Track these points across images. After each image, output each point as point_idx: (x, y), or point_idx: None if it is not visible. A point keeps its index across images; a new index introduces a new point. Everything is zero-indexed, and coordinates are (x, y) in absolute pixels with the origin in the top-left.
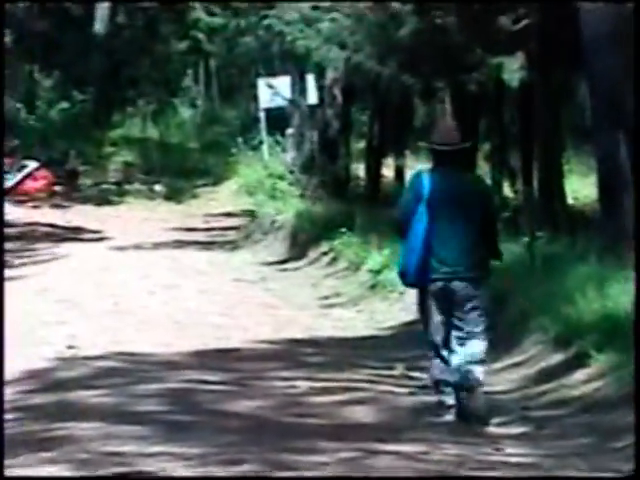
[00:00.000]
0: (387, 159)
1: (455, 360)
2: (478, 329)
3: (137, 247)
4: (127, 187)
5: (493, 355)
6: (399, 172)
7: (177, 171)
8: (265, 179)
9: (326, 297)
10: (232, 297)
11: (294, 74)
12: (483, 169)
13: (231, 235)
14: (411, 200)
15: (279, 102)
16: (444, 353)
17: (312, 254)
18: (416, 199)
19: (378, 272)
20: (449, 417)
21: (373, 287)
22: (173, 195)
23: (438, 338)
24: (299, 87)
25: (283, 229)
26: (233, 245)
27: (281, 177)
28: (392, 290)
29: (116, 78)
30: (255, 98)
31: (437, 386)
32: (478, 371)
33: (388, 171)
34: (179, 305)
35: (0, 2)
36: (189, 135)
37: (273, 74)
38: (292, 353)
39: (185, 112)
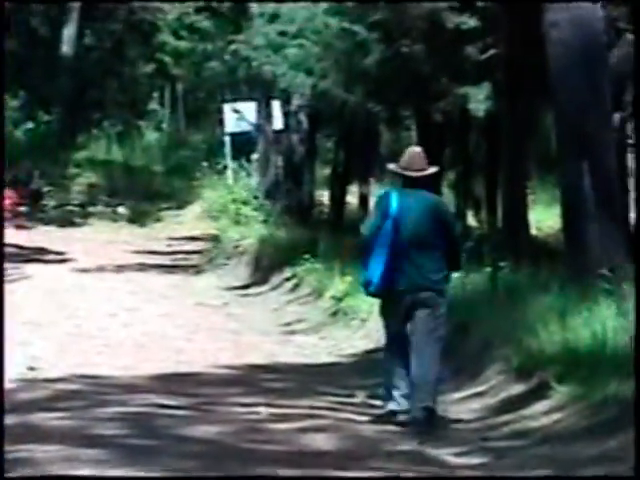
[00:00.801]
0: (352, 186)
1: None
2: (434, 331)
3: (100, 269)
4: (91, 209)
5: (455, 384)
6: (363, 199)
7: (141, 194)
8: (229, 204)
9: (288, 323)
10: (194, 321)
11: (260, 99)
12: (447, 197)
13: (194, 259)
14: (379, 216)
15: (245, 127)
16: (400, 360)
17: (275, 280)
18: (383, 216)
19: (340, 299)
20: (401, 417)
21: (335, 314)
22: (137, 218)
23: (396, 346)
24: (265, 112)
25: (246, 254)
26: (196, 269)
27: (245, 202)
28: (354, 317)
29: (82, 99)
30: (221, 122)
31: (389, 391)
32: (431, 374)
33: (352, 198)
34: (141, 328)
35: (0, 2)
36: (154, 158)
37: (239, 99)
38: (253, 379)
39: (150, 135)
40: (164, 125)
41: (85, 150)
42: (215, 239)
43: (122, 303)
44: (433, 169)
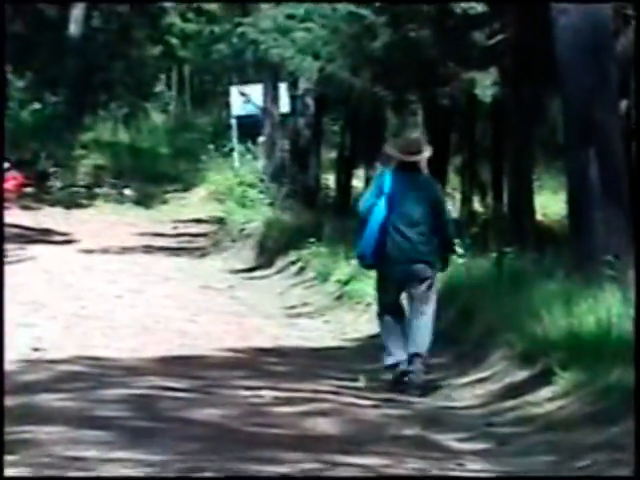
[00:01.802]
0: (358, 170)
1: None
2: (430, 305)
3: (105, 251)
4: (97, 190)
5: (459, 369)
6: (369, 183)
7: (147, 176)
8: (235, 186)
9: (293, 307)
10: (199, 304)
11: (267, 82)
12: (453, 183)
13: (200, 242)
14: (374, 193)
15: (251, 110)
16: (397, 327)
17: (280, 263)
18: (378, 193)
19: (346, 283)
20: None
21: (340, 298)
22: (142, 200)
23: (389, 316)
24: (271, 95)
25: (252, 237)
26: (201, 252)
27: (251, 185)
28: (359, 302)
29: (89, 81)
30: (227, 105)
31: (386, 349)
32: (424, 344)
33: (358, 182)
34: (146, 311)
35: (0, 2)
36: (160, 140)
37: (246, 82)
38: (257, 362)
39: (157, 117)
40: (170, 107)
41: (91, 132)
42: (220, 222)
43: (127, 285)
44: (427, 153)
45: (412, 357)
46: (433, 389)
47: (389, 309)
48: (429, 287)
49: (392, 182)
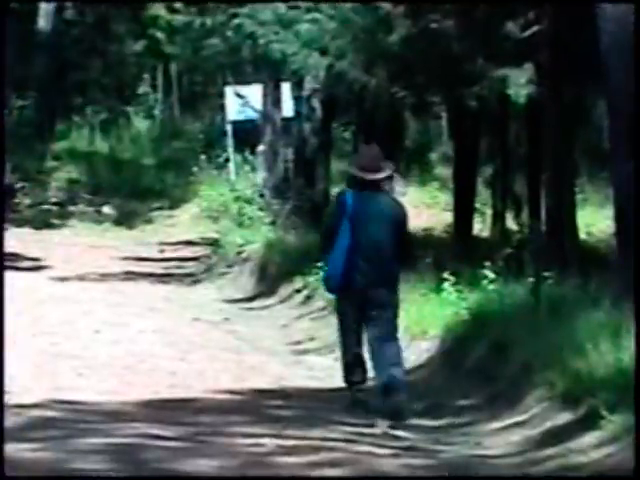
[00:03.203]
0: None
1: (375, 363)
2: (391, 330)
3: (81, 278)
4: (71, 208)
5: (491, 413)
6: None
7: (129, 191)
8: (231, 203)
9: (298, 342)
10: (190, 339)
11: (267, 82)
12: (483, 196)
13: (191, 267)
14: (337, 215)
15: (249, 114)
16: (356, 353)
17: (283, 291)
18: (341, 215)
19: None
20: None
21: None
22: (124, 219)
23: (352, 341)
24: (272, 97)
25: (251, 261)
26: (193, 279)
27: (249, 201)
28: None
29: (61, 82)
30: (222, 109)
31: (351, 385)
32: (399, 372)
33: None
34: (128, 347)
35: (0, 2)
36: (144, 150)
37: (243, 82)
38: (258, 406)
39: (140, 123)
40: (156, 112)
41: (65, 140)
42: (214, 244)
43: (107, 318)
44: (387, 171)
45: (389, 383)
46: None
47: (349, 334)
48: (388, 313)
49: (353, 202)
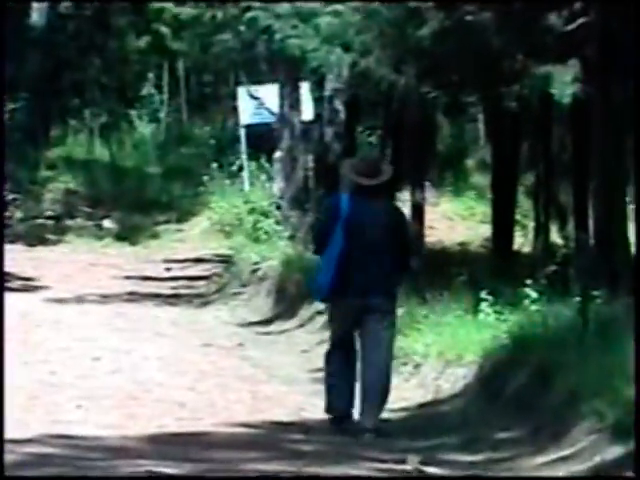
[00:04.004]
0: (402, 193)
1: (362, 371)
2: (387, 344)
3: (80, 300)
4: (68, 222)
5: (534, 446)
6: (417, 209)
7: (132, 203)
8: (245, 216)
9: (321, 369)
10: (200, 367)
11: (284, 82)
12: (524, 207)
13: (200, 287)
14: (329, 221)
15: (264, 117)
16: (342, 372)
17: (304, 313)
18: (333, 221)
19: None
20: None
21: None
22: (127, 234)
23: (339, 354)
24: (290, 99)
25: (267, 280)
26: (203, 300)
27: (266, 213)
28: (405, 362)
29: (57, 82)
30: (234, 112)
31: (332, 419)
32: (380, 387)
33: (403, 208)
34: (132, 376)
35: (0, 2)
36: (148, 157)
37: (257, 82)
38: (276, 440)
39: (144, 128)
40: (161, 115)
41: (61, 147)
42: (227, 261)
43: (108, 343)
44: (387, 175)
45: (366, 408)
46: (387, 433)
47: (340, 345)
48: (387, 325)
49: (349, 207)
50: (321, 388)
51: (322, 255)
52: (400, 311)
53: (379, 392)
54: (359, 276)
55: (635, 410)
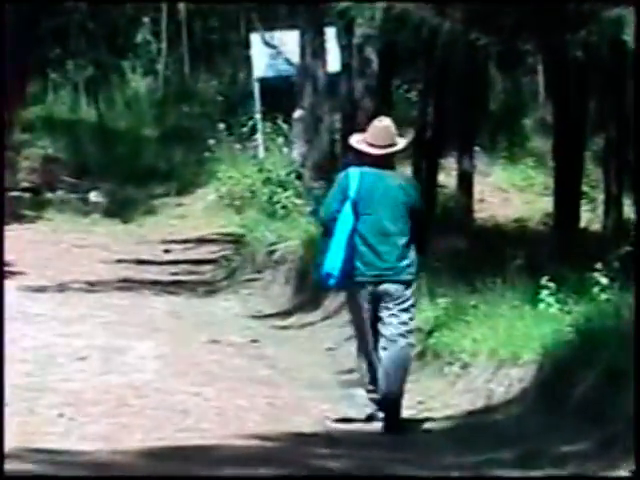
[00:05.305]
0: (447, 160)
1: (382, 365)
2: (406, 331)
3: (62, 289)
4: (48, 196)
5: (606, 460)
6: (465, 179)
7: (124, 173)
8: (260, 187)
9: (350, 370)
10: (206, 368)
11: (306, 28)
12: (593, 176)
13: (206, 272)
14: (337, 198)
15: (282, 69)
16: (374, 358)
17: (329, 303)
18: (342, 197)
19: (430, 333)
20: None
21: (422, 355)
22: (118, 209)
23: (370, 342)
24: (313, 47)
25: (286, 264)
26: (209, 288)
27: (283, 184)
28: (450, 362)
29: (34, 29)
30: (246, 63)
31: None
32: (399, 386)
33: (448, 178)
34: (125, 379)
35: (1, 2)
36: (144, 118)
37: (274, 27)
38: (297, 455)
39: (138, 82)
40: (159, 67)
41: (39, 105)
42: (238, 241)
43: (96, 340)
44: (402, 144)
45: (385, 401)
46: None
47: (364, 335)
48: (403, 310)
49: (359, 183)
50: (349, 392)
51: (328, 236)
52: (443, 301)
53: (397, 379)
54: (370, 259)
55: (635, 410)
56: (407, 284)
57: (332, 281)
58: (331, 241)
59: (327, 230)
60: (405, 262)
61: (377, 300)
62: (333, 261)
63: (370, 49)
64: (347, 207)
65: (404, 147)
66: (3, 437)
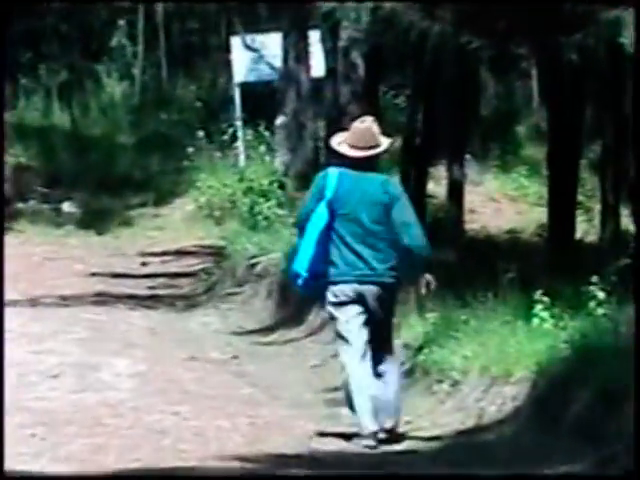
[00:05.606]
0: (436, 168)
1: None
2: (384, 340)
3: (34, 303)
4: (19, 206)
5: None
6: (456, 189)
7: (99, 182)
8: (240, 197)
9: (335, 388)
10: (185, 386)
11: (289, 30)
12: (589, 185)
13: (185, 286)
14: (313, 198)
15: (264, 74)
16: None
17: (313, 319)
18: (318, 198)
19: (419, 350)
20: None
21: (411, 373)
22: (92, 220)
23: (351, 350)
24: (297, 50)
25: (268, 278)
26: (188, 302)
27: (266, 194)
28: (440, 379)
29: (5, 31)
30: (227, 67)
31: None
32: (391, 391)
33: (437, 186)
34: (99, 397)
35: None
36: (119, 124)
37: (256, 30)
38: (279, 477)
39: (114, 87)
40: (135, 71)
41: (10, 111)
42: (217, 254)
43: (69, 357)
44: (385, 145)
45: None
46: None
47: (347, 340)
48: (385, 315)
49: (337, 182)
50: (334, 412)
51: (302, 239)
52: (433, 316)
53: (389, 407)
54: (346, 261)
55: (634, 409)
56: (385, 288)
57: (300, 281)
58: (302, 242)
59: (302, 230)
60: (386, 264)
61: (353, 303)
62: (302, 261)
63: (356, 53)
64: (322, 207)
65: (387, 148)
66: (3, 437)
